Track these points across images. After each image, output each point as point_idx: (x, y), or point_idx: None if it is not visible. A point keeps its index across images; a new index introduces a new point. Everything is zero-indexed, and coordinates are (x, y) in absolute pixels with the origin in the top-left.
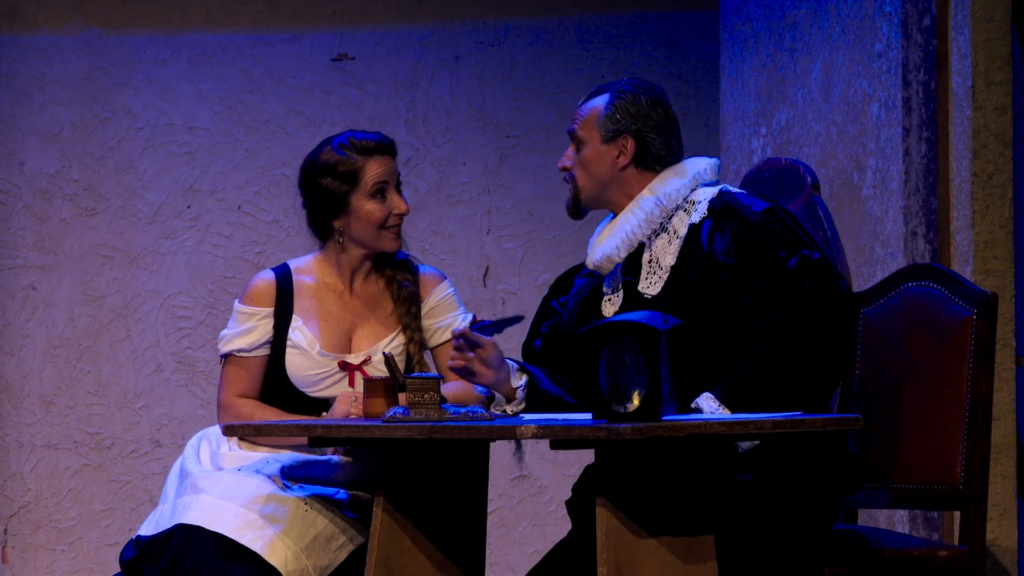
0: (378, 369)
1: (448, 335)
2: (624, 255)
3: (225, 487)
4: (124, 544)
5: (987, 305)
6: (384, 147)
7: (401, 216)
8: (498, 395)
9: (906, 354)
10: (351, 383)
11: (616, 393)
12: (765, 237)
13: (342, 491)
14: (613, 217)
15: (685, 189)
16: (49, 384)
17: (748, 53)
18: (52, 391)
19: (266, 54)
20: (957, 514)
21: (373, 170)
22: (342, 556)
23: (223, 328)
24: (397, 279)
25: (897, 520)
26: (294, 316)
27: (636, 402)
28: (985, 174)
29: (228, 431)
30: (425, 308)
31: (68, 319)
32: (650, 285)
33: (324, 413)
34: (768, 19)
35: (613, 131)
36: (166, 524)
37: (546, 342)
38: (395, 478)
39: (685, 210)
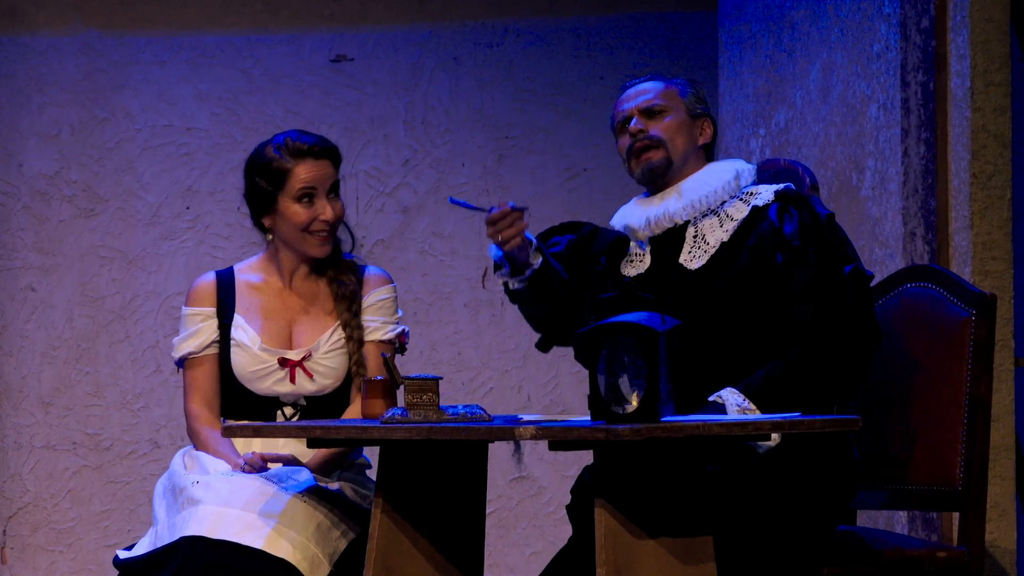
0: (320, 364)
1: (374, 337)
2: (687, 218)
3: (220, 493)
4: (122, 546)
5: (986, 306)
6: (319, 151)
7: (327, 222)
8: (507, 266)
9: (905, 355)
10: (292, 379)
11: (615, 394)
12: (831, 237)
13: (337, 486)
14: (647, 196)
15: (750, 174)
16: (48, 385)
17: (747, 54)
18: (51, 392)
19: (265, 55)
20: (956, 515)
21: (301, 174)
22: (343, 545)
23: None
24: (338, 278)
25: (896, 521)
26: (236, 315)
27: (635, 403)
28: (984, 175)
29: (227, 432)
30: (366, 302)
31: (67, 320)
32: (693, 259)
33: (278, 412)
34: (767, 20)
35: (700, 110)
36: (165, 541)
37: (567, 254)
38: (393, 479)
39: (743, 199)
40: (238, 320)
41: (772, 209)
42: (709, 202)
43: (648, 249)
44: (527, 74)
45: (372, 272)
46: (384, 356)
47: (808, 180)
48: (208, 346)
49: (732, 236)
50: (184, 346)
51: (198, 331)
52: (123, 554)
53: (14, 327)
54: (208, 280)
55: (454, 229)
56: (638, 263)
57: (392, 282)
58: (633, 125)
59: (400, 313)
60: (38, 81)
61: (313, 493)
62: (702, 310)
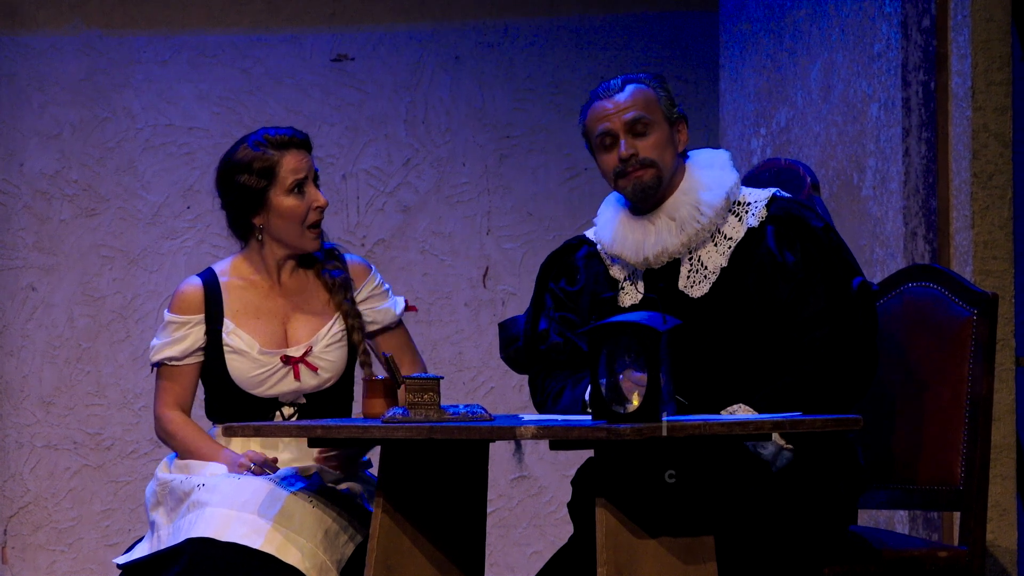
0: (321, 359)
1: (388, 318)
2: (687, 252)
3: (227, 496)
4: (123, 546)
5: (987, 305)
6: (298, 141)
7: (321, 210)
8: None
9: (906, 354)
10: (296, 376)
11: (616, 393)
12: (834, 255)
13: (345, 487)
14: (628, 209)
15: (737, 188)
16: (49, 385)
17: (748, 53)
18: (52, 392)
19: (266, 54)
20: (957, 514)
21: (289, 165)
22: (350, 550)
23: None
24: (327, 268)
25: (897, 520)
26: (225, 320)
27: (636, 402)
28: (985, 174)
29: (228, 431)
30: (359, 297)
31: (68, 320)
32: (693, 285)
33: (276, 413)
34: (768, 20)
35: (676, 114)
36: (168, 544)
37: (567, 337)
38: (394, 478)
39: (734, 213)
40: (228, 325)
41: (769, 233)
42: (706, 229)
43: (640, 278)
44: (528, 73)
45: (354, 260)
46: (385, 355)
47: (809, 180)
48: (192, 353)
49: (730, 260)
50: (166, 351)
51: (182, 338)
52: (122, 559)
53: (15, 327)
54: (195, 286)
55: (455, 229)
56: (633, 292)
57: (372, 266)
58: (624, 150)
59: (388, 287)
60: (39, 81)
61: (321, 496)
62: (709, 338)
